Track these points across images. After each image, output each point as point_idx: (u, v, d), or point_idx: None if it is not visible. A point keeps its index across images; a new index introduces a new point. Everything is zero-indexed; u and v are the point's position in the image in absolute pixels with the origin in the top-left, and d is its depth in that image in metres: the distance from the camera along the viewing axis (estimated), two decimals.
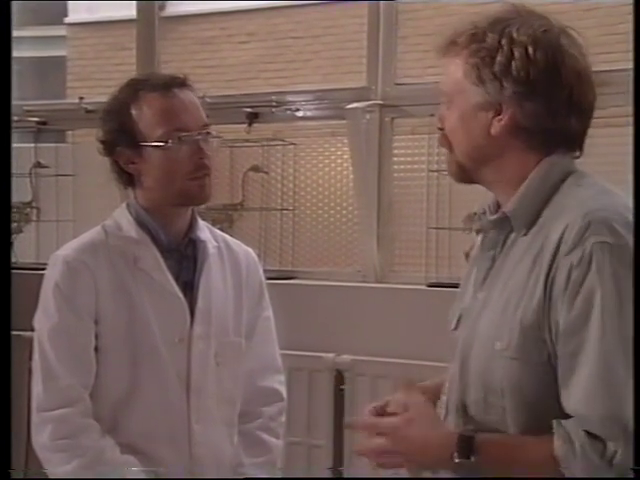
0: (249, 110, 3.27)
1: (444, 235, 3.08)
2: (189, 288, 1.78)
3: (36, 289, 1.77)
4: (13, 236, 3.45)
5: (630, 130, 1.43)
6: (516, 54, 1.26)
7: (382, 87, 3.10)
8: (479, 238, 1.40)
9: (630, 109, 1.55)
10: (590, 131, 1.34)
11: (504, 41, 1.27)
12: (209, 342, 1.78)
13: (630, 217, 1.23)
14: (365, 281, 3.12)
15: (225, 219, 3.32)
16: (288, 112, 3.27)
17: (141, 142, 1.71)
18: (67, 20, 6.73)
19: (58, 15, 6.68)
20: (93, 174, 2.98)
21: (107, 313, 1.72)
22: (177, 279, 1.77)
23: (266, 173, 3.36)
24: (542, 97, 1.27)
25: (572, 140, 1.31)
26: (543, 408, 1.23)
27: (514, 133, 1.29)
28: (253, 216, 3.39)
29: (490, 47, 1.28)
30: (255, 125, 3.29)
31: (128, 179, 1.77)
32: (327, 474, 2.89)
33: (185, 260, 1.79)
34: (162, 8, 3.98)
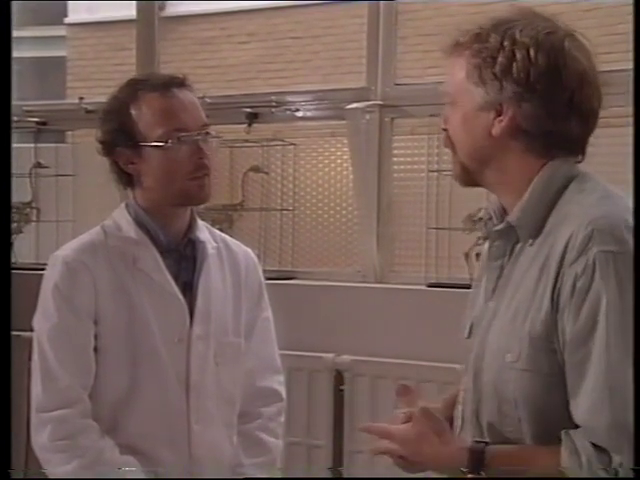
0: (249, 110, 3.27)
1: (444, 235, 3.08)
2: (188, 288, 1.78)
3: (36, 289, 1.77)
4: (13, 236, 3.45)
5: (630, 130, 1.43)
6: (517, 55, 1.26)
7: (382, 87, 3.10)
8: (486, 246, 1.40)
9: (630, 109, 1.55)
10: None
11: (506, 42, 1.27)
12: (208, 342, 1.78)
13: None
14: (365, 281, 3.12)
15: (225, 219, 3.32)
16: (288, 112, 3.27)
17: (141, 142, 1.71)
18: (67, 20, 6.72)
19: (58, 15, 6.68)
20: (93, 174, 2.99)
21: (106, 313, 1.72)
22: (176, 279, 1.77)
23: (266, 173, 3.36)
24: (542, 99, 1.26)
25: (573, 144, 1.31)
26: (556, 418, 1.22)
27: (514, 135, 1.29)
28: (253, 216, 3.39)
29: (492, 48, 1.28)
30: (255, 125, 3.29)
31: (127, 179, 1.77)
32: (327, 474, 2.89)
33: (184, 260, 1.79)
34: (162, 8, 3.98)
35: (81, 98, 3.52)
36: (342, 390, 2.88)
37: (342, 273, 3.25)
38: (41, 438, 1.69)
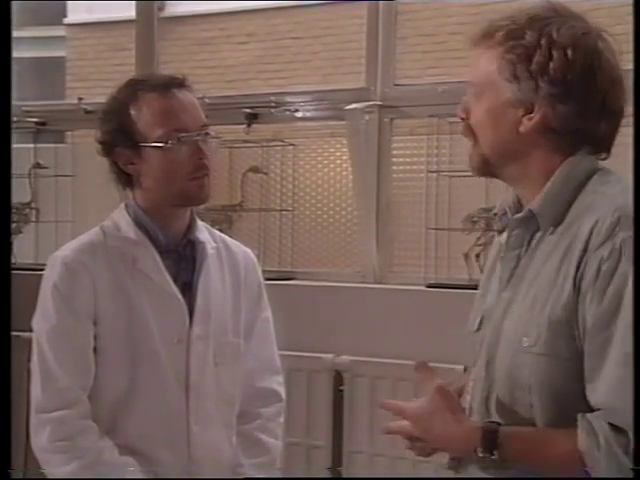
0: (248, 111, 3.27)
1: (443, 236, 3.08)
2: (188, 289, 1.78)
3: (35, 290, 1.76)
4: (12, 237, 3.45)
5: (630, 130, 1.43)
6: (555, 55, 1.26)
7: (381, 88, 3.10)
8: (502, 238, 1.39)
9: (630, 109, 1.55)
10: None
11: (543, 40, 1.27)
12: (208, 343, 1.78)
13: None
14: (364, 282, 3.12)
15: (224, 220, 3.32)
16: (287, 113, 3.27)
17: (140, 143, 1.71)
18: (66, 21, 6.73)
19: (57, 15, 6.68)
20: (92, 175, 2.98)
21: (106, 314, 1.72)
22: (176, 280, 1.77)
23: (265, 174, 3.36)
24: (576, 100, 1.27)
25: (600, 142, 1.32)
26: (570, 403, 1.23)
27: (542, 133, 1.29)
28: (252, 217, 3.39)
29: (528, 45, 1.27)
30: (254, 126, 3.29)
31: (127, 180, 1.77)
32: (326, 474, 2.89)
33: (184, 261, 1.79)
34: (161, 9, 3.98)
35: (80, 98, 3.52)
36: (341, 390, 2.88)
37: (341, 273, 3.25)
38: (40, 439, 1.69)
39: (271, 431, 1.88)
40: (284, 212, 3.37)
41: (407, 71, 3.30)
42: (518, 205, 1.37)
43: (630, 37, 1.39)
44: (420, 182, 3.13)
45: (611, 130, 1.31)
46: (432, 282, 3.01)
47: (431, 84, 3.15)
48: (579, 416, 1.20)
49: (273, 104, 3.28)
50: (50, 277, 1.74)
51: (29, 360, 1.75)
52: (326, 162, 3.37)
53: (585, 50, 1.27)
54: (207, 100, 2.87)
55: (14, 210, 3.45)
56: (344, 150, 3.26)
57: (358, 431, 2.85)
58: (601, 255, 1.20)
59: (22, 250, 3.49)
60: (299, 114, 3.27)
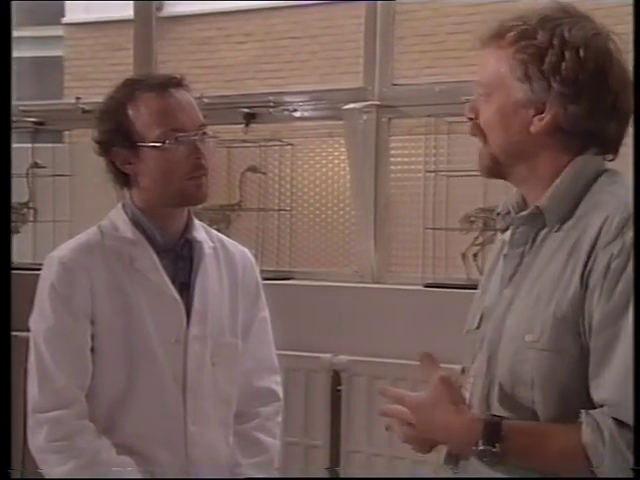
0: (246, 110, 3.27)
1: (441, 236, 3.08)
2: (185, 289, 1.78)
3: (33, 290, 1.76)
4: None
5: (630, 130, 1.44)
6: (567, 55, 1.26)
7: (379, 88, 3.10)
8: (505, 236, 1.39)
9: None
10: None
11: (555, 41, 1.27)
12: (205, 343, 1.78)
13: None
14: (362, 281, 3.12)
15: (222, 219, 3.32)
16: (285, 112, 3.27)
17: (138, 142, 1.71)
18: (64, 20, 6.72)
19: (55, 15, 6.68)
20: (90, 174, 2.97)
21: (103, 314, 1.72)
22: (173, 280, 1.77)
23: (263, 173, 3.36)
24: (587, 100, 1.27)
25: (608, 143, 1.32)
26: (572, 399, 1.23)
27: (553, 133, 1.29)
28: (250, 216, 3.39)
29: (540, 45, 1.28)
30: (252, 125, 3.29)
31: (124, 179, 1.77)
32: (324, 474, 2.89)
33: (181, 261, 1.79)
34: (159, 8, 3.98)
35: (78, 98, 3.52)
36: (339, 390, 2.88)
37: (339, 273, 3.25)
38: (37, 439, 1.69)
39: (269, 430, 1.88)
40: (282, 212, 3.37)
41: (405, 71, 3.30)
42: (522, 204, 1.38)
43: (630, 37, 1.39)
44: (418, 182, 3.13)
45: (620, 131, 1.32)
46: (430, 282, 3.01)
47: (429, 84, 3.15)
48: (583, 412, 1.20)
49: (271, 104, 3.28)
50: (47, 277, 1.73)
51: (26, 360, 1.75)
52: (324, 162, 3.37)
53: (597, 51, 1.28)
54: (205, 100, 2.88)
55: (12, 210, 3.44)
56: (342, 150, 3.26)
57: (356, 431, 2.85)
58: (611, 252, 1.20)
59: (20, 250, 3.49)
60: (297, 114, 3.27)
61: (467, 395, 1.37)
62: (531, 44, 1.28)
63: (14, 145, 3.27)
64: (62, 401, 1.69)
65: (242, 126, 3.28)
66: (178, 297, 1.76)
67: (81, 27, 6.48)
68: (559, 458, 1.22)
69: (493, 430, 1.23)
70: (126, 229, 1.77)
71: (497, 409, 1.30)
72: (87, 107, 3.33)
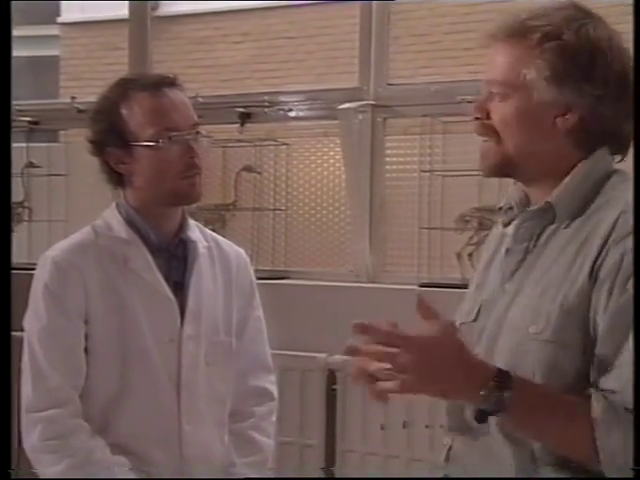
0: (242, 110, 3.27)
1: (436, 235, 3.09)
2: (179, 288, 1.78)
3: (28, 289, 1.76)
4: None
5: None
6: (597, 56, 1.27)
7: (374, 87, 3.10)
8: (508, 230, 1.39)
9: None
10: None
11: (583, 42, 1.27)
12: (199, 342, 1.78)
13: None
14: (357, 281, 3.12)
15: (217, 219, 3.32)
16: (281, 112, 3.27)
17: (131, 142, 1.71)
18: (60, 20, 6.72)
19: (51, 15, 6.67)
20: (85, 174, 2.97)
21: (97, 314, 1.72)
22: (167, 279, 1.77)
23: (259, 173, 3.36)
24: (613, 101, 1.28)
25: (621, 143, 1.33)
26: (573, 392, 1.22)
27: (574, 133, 1.29)
28: (245, 216, 3.39)
29: (569, 46, 1.27)
30: (248, 125, 3.29)
31: (118, 179, 1.77)
32: (319, 474, 2.89)
33: (175, 260, 1.79)
34: (155, 8, 3.98)
35: (73, 97, 3.52)
36: (334, 390, 2.88)
37: (335, 273, 3.25)
38: (31, 438, 1.69)
39: (263, 430, 1.88)
40: (277, 211, 3.37)
41: (400, 71, 3.31)
42: (525, 201, 1.38)
43: (630, 37, 1.39)
44: (413, 182, 3.13)
45: (631, 131, 1.32)
46: (425, 281, 3.01)
47: (424, 84, 3.15)
48: (592, 390, 1.19)
49: (267, 103, 3.28)
50: (41, 277, 1.73)
51: (20, 359, 1.75)
52: (319, 161, 3.37)
53: (619, 52, 1.29)
54: (200, 99, 2.88)
55: None
56: (337, 150, 3.26)
57: (351, 430, 2.85)
58: (625, 247, 1.20)
59: (15, 249, 3.47)
60: (292, 113, 3.27)
61: None
62: (559, 45, 1.27)
63: None
64: (56, 400, 1.69)
65: (237, 126, 3.28)
66: (172, 296, 1.76)
67: (77, 26, 6.47)
68: (564, 423, 1.19)
69: (506, 376, 1.16)
70: (120, 229, 1.77)
71: None
72: (82, 107, 3.32)
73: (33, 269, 1.78)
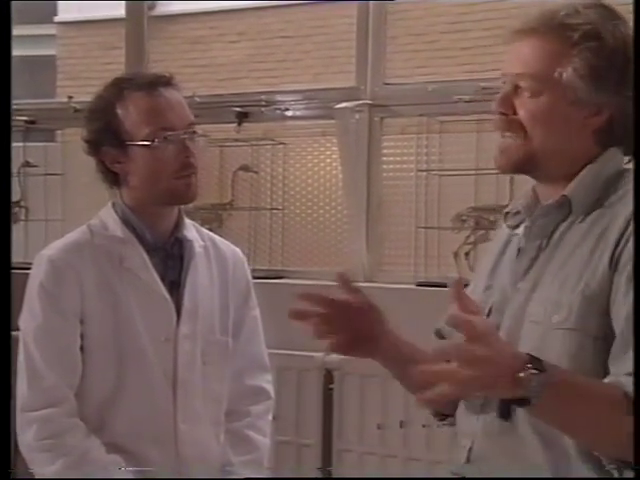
0: (239, 109, 3.27)
1: (433, 235, 3.09)
2: (175, 287, 1.78)
3: (24, 289, 1.76)
4: None
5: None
6: (630, 58, 1.28)
7: (371, 87, 3.11)
8: (518, 232, 1.39)
9: None
10: None
11: (619, 43, 1.28)
12: (195, 341, 1.78)
13: None
14: (354, 280, 3.11)
15: (214, 219, 3.32)
16: (278, 112, 3.28)
17: (127, 141, 1.71)
18: (57, 19, 6.71)
19: (48, 14, 6.66)
20: (82, 173, 2.98)
21: (93, 313, 1.72)
22: (163, 278, 1.77)
23: (256, 173, 3.37)
24: (634, 101, 1.28)
25: (631, 143, 1.32)
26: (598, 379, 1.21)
27: (599, 132, 1.30)
28: (242, 216, 3.39)
29: (607, 47, 1.28)
30: (245, 124, 3.30)
31: (114, 178, 1.77)
32: (316, 474, 2.89)
33: (171, 259, 1.79)
34: (152, 7, 3.98)
35: (70, 97, 3.51)
36: (331, 389, 2.88)
37: (332, 272, 3.20)
38: (26, 437, 1.69)
39: (260, 429, 1.88)
40: (274, 211, 3.37)
41: (397, 70, 3.30)
42: (533, 203, 1.37)
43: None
44: (410, 181, 3.14)
45: None
46: (422, 281, 3.01)
47: (421, 83, 3.15)
48: (621, 376, 1.17)
49: (263, 103, 3.28)
50: (36, 276, 1.73)
51: (15, 358, 1.75)
52: (316, 161, 3.37)
53: (634, 52, 1.29)
54: (197, 99, 2.88)
55: None
56: (334, 149, 3.26)
57: (348, 429, 2.85)
58: None
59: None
60: (289, 113, 3.28)
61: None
62: (599, 45, 1.28)
63: None
64: (51, 399, 1.69)
65: (234, 125, 3.28)
66: (168, 296, 1.76)
67: (74, 26, 6.46)
68: (602, 403, 1.16)
69: (538, 361, 1.12)
70: (116, 228, 1.77)
71: None
72: (79, 106, 3.32)
73: (30, 268, 1.78)
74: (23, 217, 3.62)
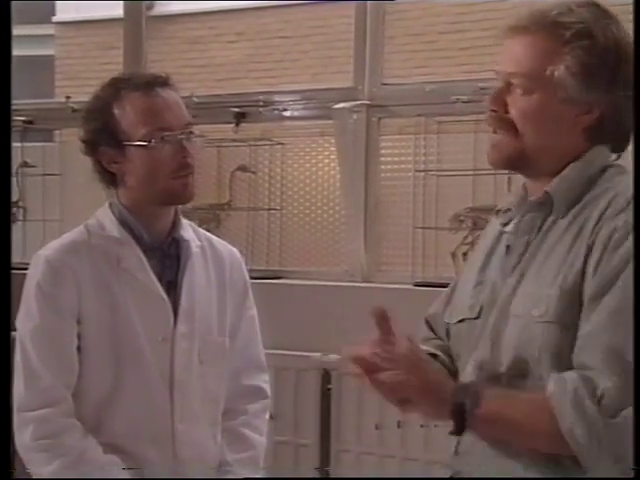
0: (237, 110, 3.27)
1: (430, 235, 3.09)
2: (172, 287, 1.77)
3: (21, 289, 1.76)
4: None
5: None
6: (621, 57, 1.29)
7: (369, 87, 3.10)
8: (507, 229, 1.40)
9: None
10: None
11: (611, 42, 1.29)
12: (193, 341, 1.78)
13: None
14: (352, 280, 3.12)
15: (212, 219, 3.33)
16: (276, 112, 3.27)
17: (124, 141, 1.71)
18: (55, 19, 6.71)
19: (46, 14, 6.66)
20: (80, 173, 2.97)
21: (90, 313, 1.72)
22: (160, 278, 1.76)
23: (253, 173, 3.37)
24: (628, 101, 1.29)
25: (622, 140, 1.35)
26: None
27: (589, 130, 1.31)
28: (240, 216, 3.39)
29: (599, 46, 1.28)
30: (243, 125, 3.29)
31: (111, 179, 1.77)
32: (314, 474, 2.89)
33: (168, 259, 1.79)
34: (150, 7, 3.98)
35: (68, 97, 3.51)
36: (329, 389, 2.88)
37: (329, 272, 3.25)
38: (23, 437, 1.68)
39: (256, 427, 1.88)
40: (272, 211, 3.37)
41: (395, 70, 3.31)
42: (523, 201, 1.39)
43: (630, 37, 1.40)
44: (408, 181, 3.14)
45: (629, 130, 1.34)
46: (420, 281, 3.01)
47: (419, 83, 3.16)
48: (552, 373, 1.22)
49: (261, 103, 3.28)
50: (34, 276, 1.73)
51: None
52: (314, 161, 3.37)
53: (632, 52, 1.31)
54: (195, 99, 2.88)
55: None
56: (332, 149, 3.26)
57: (346, 430, 2.85)
58: (615, 224, 1.22)
59: None
60: (287, 113, 3.28)
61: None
62: (591, 44, 1.28)
63: None
64: (48, 399, 1.68)
65: (232, 125, 3.28)
66: (165, 296, 1.76)
67: (72, 26, 6.46)
68: (527, 413, 1.23)
69: (464, 387, 1.26)
70: (113, 228, 1.77)
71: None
72: (77, 106, 3.31)
73: (27, 269, 1.78)
74: (21, 217, 3.62)
